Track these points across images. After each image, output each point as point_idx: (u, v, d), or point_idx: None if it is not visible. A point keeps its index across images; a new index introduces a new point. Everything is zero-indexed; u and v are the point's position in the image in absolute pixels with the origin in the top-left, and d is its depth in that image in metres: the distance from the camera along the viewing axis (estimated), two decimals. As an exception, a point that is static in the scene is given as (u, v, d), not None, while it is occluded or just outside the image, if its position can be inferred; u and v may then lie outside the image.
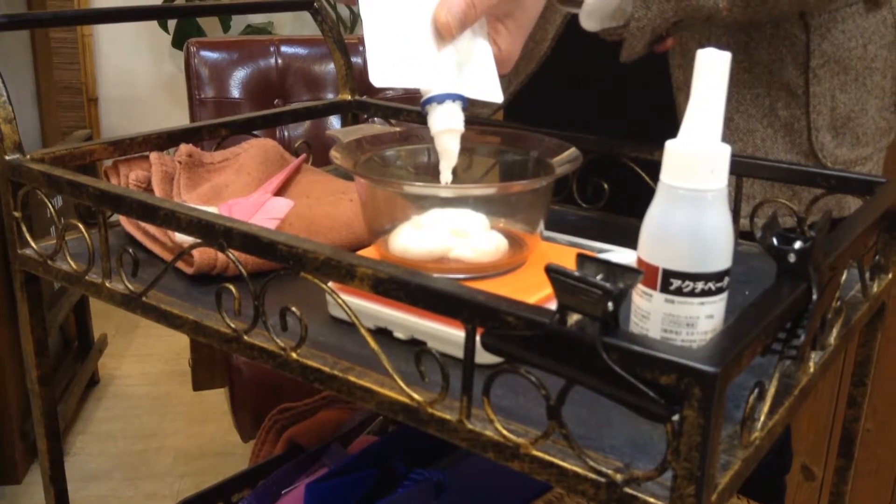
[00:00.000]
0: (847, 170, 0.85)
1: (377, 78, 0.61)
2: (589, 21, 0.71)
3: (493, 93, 0.65)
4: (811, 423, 1.58)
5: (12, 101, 0.71)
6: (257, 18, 3.06)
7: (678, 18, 0.70)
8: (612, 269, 0.39)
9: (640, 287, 0.48)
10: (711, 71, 0.46)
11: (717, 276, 0.47)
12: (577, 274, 0.39)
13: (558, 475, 0.43)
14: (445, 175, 0.64)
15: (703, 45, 0.80)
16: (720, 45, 0.79)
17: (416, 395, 0.48)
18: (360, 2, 0.63)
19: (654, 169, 0.57)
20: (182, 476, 1.96)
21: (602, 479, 0.42)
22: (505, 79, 0.92)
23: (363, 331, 0.50)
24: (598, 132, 0.80)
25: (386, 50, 0.62)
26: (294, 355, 0.54)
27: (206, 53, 1.73)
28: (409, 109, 0.95)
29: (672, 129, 0.88)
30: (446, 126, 0.63)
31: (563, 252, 0.64)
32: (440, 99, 0.62)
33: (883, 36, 0.84)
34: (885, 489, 1.56)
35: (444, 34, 0.62)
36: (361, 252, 0.60)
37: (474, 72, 0.65)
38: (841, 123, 0.84)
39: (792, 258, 0.45)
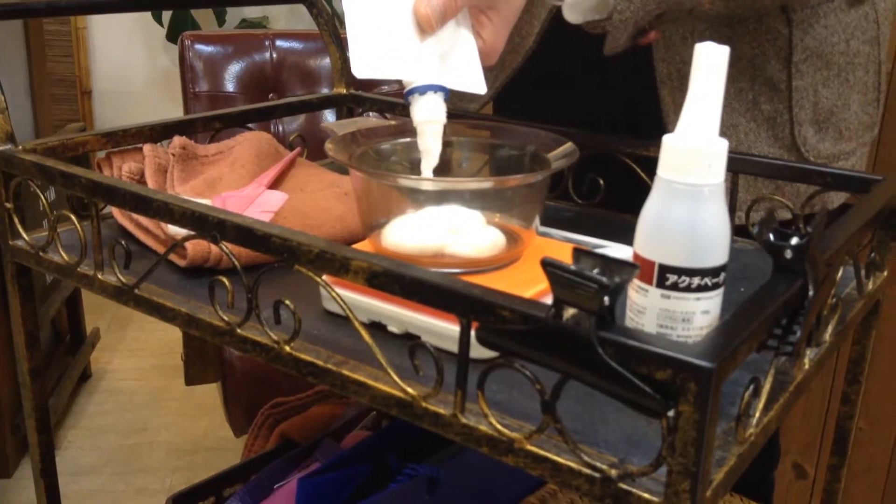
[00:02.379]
0: (830, 164, 0.84)
1: (359, 69, 0.61)
2: (572, 13, 0.71)
3: (477, 84, 0.65)
4: (804, 422, 1.58)
5: (4, 93, 0.71)
6: (252, 12, 3.05)
7: (660, 11, 0.70)
8: (609, 264, 0.38)
9: (635, 282, 0.48)
10: (709, 66, 0.46)
11: (714, 272, 0.47)
12: (573, 268, 0.38)
13: (552, 470, 0.43)
14: (426, 175, 0.64)
15: (686, 39, 0.81)
16: (703, 39, 0.79)
17: (410, 390, 0.48)
18: None
19: (649, 165, 0.57)
20: (174, 471, 1.96)
21: (596, 475, 0.42)
22: (491, 73, 0.91)
23: (357, 324, 0.50)
24: (582, 125, 0.79)
25: (368, 41, 0.62)
26: (287, 349, 0.54)
27: (200, 47, 1.72)
28: (405, 103, 0.95)
29: (657, 123, 0.87)
30: (427, 117, 0.63)
31: (559, 247, 0.64)
32: (422, 90, 0.63)
33: (865, 31, 0.84)
34: (876, 488, 1.56)
35: (425, 27, 0.62)
36: (356, 246, 0.60)
37: (457, 63, 0.65)
38: (824, 118, 0.84)
39: (788, 254, 0.45)
